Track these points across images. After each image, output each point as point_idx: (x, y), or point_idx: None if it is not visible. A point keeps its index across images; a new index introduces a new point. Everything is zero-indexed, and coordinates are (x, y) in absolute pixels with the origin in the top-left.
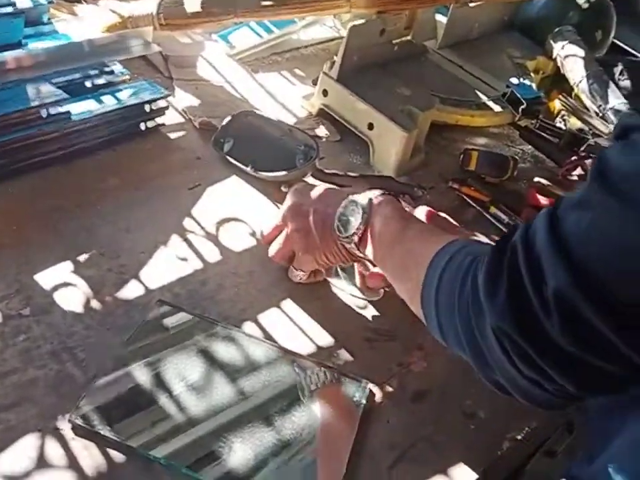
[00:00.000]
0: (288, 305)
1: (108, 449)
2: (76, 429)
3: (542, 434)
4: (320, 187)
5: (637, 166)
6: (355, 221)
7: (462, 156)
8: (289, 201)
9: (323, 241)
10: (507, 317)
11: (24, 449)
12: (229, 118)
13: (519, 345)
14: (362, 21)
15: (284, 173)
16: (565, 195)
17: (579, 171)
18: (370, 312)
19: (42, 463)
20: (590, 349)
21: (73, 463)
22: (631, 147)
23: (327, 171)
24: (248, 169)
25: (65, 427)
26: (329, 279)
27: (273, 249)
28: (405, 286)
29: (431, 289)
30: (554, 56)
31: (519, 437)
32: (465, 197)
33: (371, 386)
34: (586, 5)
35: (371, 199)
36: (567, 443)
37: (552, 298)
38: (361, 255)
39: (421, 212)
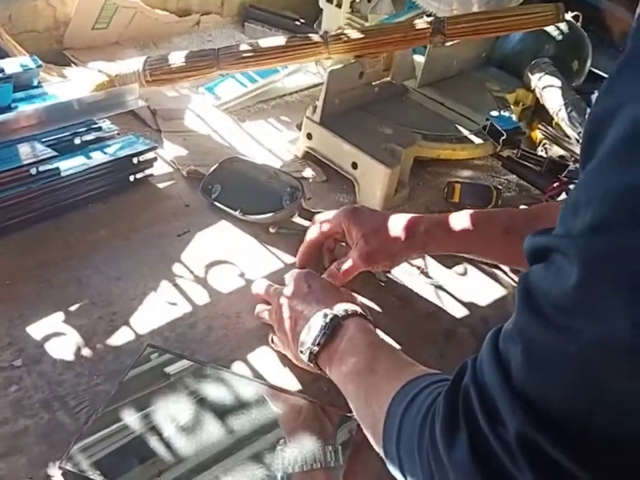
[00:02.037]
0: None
1: None
2: (66, 475)
3: None
4: (325, 286)
5: (563, 291)
6: (316, 336)
7: (446, 189)
8: (290, 280)
9: (293, 342)
10: (472, 473)
11: None
12: (215, 165)
13: None
14: (340, 65)
15: (271, 214)
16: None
17: (562, 196)
18: None
19: None
20: None
21: None
22: (554, 271)
23: (313, 210)
24: (236, 213)
25: (55, 473)
26: None
27: (258, 309)
28: (365, 422)
29: (392, 436)
30: (532, 87)
31: None
32: None
33: None
34: (560, 37)
35: (337, 316)
36: None
37: (515, 443)
38: (319, 371)
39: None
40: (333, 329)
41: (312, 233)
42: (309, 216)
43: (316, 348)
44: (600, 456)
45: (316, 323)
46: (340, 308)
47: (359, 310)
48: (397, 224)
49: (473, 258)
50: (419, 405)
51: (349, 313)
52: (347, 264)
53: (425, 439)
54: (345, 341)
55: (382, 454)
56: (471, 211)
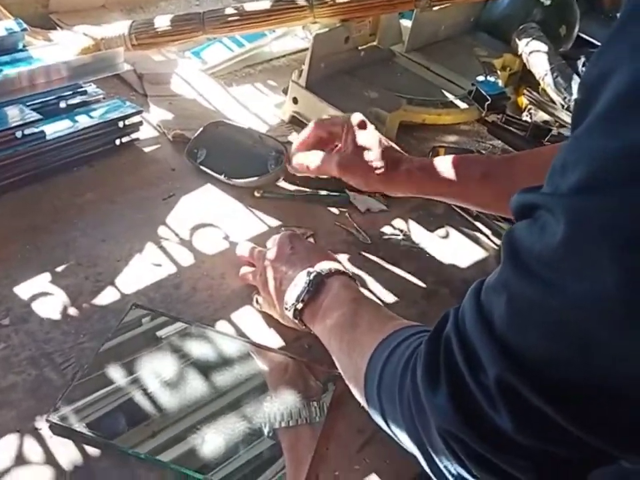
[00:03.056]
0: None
1: (85, 446)
2: (53, 428)
3: None
4: (309, 247)
5: (548, 247)
6: (300, 293)
7: (430, 153)
8: (273, 244)
9: (278, 302)
10: (451, 416)
11: (3, 449)
12: (200, 129)
13: (469, 446)
14: (326, 29)
15: (256, 178)
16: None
17: None
18: None
19: (21, 460)
20: (544, 437)
21: (51, 459)
22: (539, 228)
23: (298, 175)
24: (221, 177)
25: (43, 426)
26: None
27: (243, 271)
28: (347, 373)
29: (373, 385)
30: (519, 53)
31: None
32: None
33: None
34: (548, 2)
35: (320, 273)
36: None
37: (494, 387)
38: (303, 327)
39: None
40: (316, 285)
41: (314, 123)
42: (294, 180)
43: (300, 304)
44: (575, 399)
45: (300, 280)
46: (323, 266)
47: (342, 268)
48: (387, 154)
49: (448, 202)
50: (399, 354)
51: (332, 271)
52: (324, 158)
53: (405, 385)
54: (328, 298)
55: (364, 403)
56: (452, 156)
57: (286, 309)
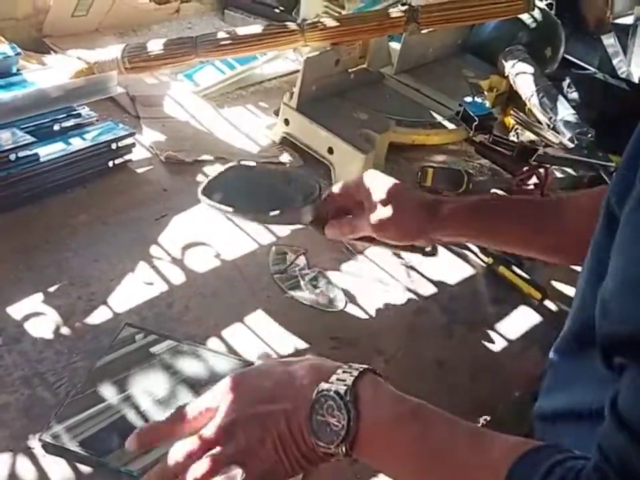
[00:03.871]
0: (252, 320)
1: (78, 466)
2: (46, 447)
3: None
4: (268, 373)
5: None
6: (339, 423)
7: (419, 173)
8: (216, 395)
9: (288, 452)
10: None
11: None
12: (221, 169)
13: None
14: (317, 52)
15: (277, 212)
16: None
17: (534, 180)
18: (332, 320)
19: (14, 479)
20: None
21: (44, 478)
22: None
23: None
24: (240, 214)
25: (36, 445)
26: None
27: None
28: None
29: None
30: (506, 74)
31: None
32: None
33: None
34: (534, 25)
35: (350, 388)
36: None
37: None
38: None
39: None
40: (356, 400)
41: (332, 189)
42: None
43: (352, 430)
44: None
45: (325, 405)
46: (337, 373)
47: (356, 365)
48: (419, 198)
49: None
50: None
51: (354, 374)
52: (358, 220)
53: None
54: (378, 414)
55: None
56: (493, 196)
57: (321, 447)
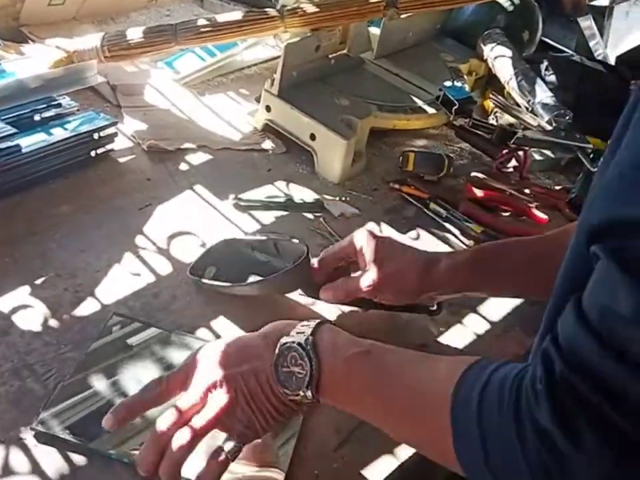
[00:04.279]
0: (240, 309)
1: (70, 453)
2: (38, 436)
3: None
4: (231, 342)
5: None
6: (302, 370)
7: (400, 158)
8: (190, 368)
9: (260, 406)
10: (609, 459)
11: None
12: (208, 247)
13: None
14: (297, 38)
15: (269, 277)
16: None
17: (513, 163)
18: (317, 308)
19: (6, 471)
20: None
21: (37, 468)
22: None
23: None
24: (229, 286)
25: (27, 436)
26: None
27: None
28: (414, 434)
29: (470, 439)
30: (485, 58)
31: None
32: (406, 196)
33: None
34: (511, 8)
35: (308, 337)
36: None
37: None
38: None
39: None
40: (315, 348)
41: (326, 251)
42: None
43: (315, 376)
44: None
45: (288, 358)
46: (296, 329)
47: (308, 321)
48: (413, 256)
49: (499, 297)
50: (495, 390)
51: (311, 327)
52: (352, 284)
53: (527, 434)
54: (335, 359)
55: (454, 463)
56: (494, 244)
57: (289, 395)
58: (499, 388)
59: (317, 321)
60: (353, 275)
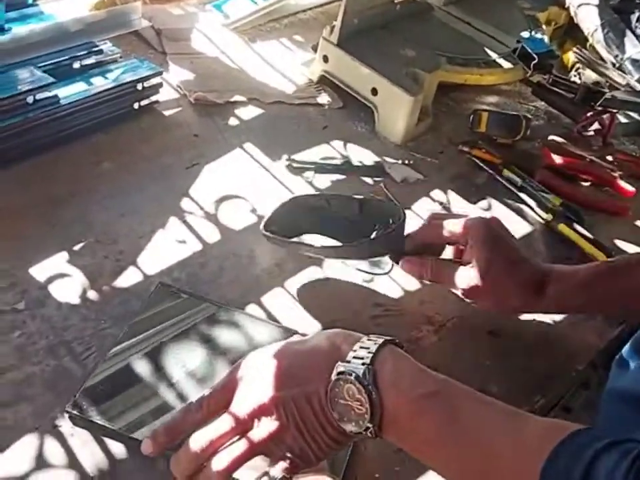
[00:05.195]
0: (292, 284)
1: (108, 445)
2: (74, 419)
3: (558, 393)
4: (278, 355)
5: None
6: (361, 407)
7: (471, 117)
8: (223, 388)
9: (314, 435)
10: None
11: (23, 449)
12: (280, 203)
13: None
14: None
15: (355, 243)
16: None
17: (595, 126)
18: (377, 287)
19: (41, 462)
20: None
21: (73, 461)
22: None
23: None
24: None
25: (63, 423)
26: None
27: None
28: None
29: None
30: (566, 5)
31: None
32: (476, 161)
33: None
34: None
35: (368, 368)
36: (583, 398)
37: None
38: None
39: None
40: (375, 378)
41: (426, 230)
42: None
43: (376, 421)
44: None
45: (342, 386)
46: (356, 350)
47: (374, 337)
48: (528, 273)
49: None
50: (609, 465)
51: (373, 351)
52: (449, 273)
53: None
54: (400, 393)
55: None
56: (607, 265)
57: (351, 432)
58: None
59: (378, 341)
60: (443, 256)
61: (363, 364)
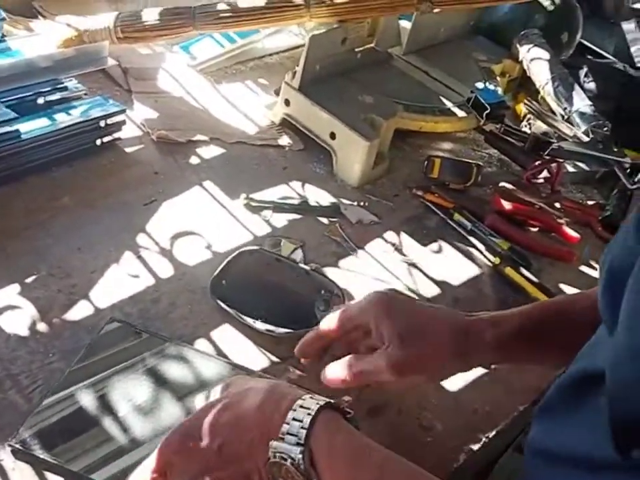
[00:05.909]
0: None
1: (49, 477)
2: (16, 454)
3: (511, 432)
4: (212, 426)
5: None
6: (291, 466)
7: (425, 163)
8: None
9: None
10: None
11: None
12: (231, 257)
13: None
14: (323, 30)
15: (304, 330)
16: None
17: (544, 174)
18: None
19: None
20: None
21: None
22: None
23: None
24: (256, 324)
25: (5, 457)
26: None
27: None
28: None
29: None
30: (520, 59)
31: (476, 449)
32: (429, 204)
33: None
34: (551, 8)
35: (303, 452)
36: None
37: None
38: None
39: None
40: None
41: (327, 323)
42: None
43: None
44: None
45: (283, 447)
46: (286, 426)
47: (311, 405)
48: (447, 324)
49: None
50: None
51: (307, 425)
52: (368, 365)
53: None
54: (333, 462)
55: None
56: (533, 311)
57: None
58: None
59: (313, 409)
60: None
61: (297, 443)
